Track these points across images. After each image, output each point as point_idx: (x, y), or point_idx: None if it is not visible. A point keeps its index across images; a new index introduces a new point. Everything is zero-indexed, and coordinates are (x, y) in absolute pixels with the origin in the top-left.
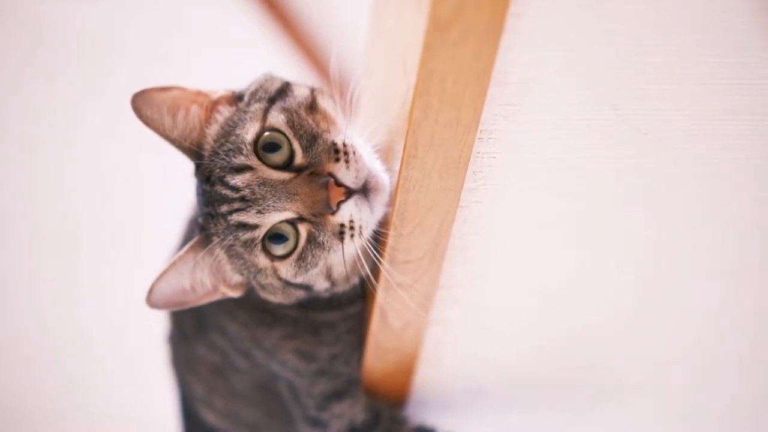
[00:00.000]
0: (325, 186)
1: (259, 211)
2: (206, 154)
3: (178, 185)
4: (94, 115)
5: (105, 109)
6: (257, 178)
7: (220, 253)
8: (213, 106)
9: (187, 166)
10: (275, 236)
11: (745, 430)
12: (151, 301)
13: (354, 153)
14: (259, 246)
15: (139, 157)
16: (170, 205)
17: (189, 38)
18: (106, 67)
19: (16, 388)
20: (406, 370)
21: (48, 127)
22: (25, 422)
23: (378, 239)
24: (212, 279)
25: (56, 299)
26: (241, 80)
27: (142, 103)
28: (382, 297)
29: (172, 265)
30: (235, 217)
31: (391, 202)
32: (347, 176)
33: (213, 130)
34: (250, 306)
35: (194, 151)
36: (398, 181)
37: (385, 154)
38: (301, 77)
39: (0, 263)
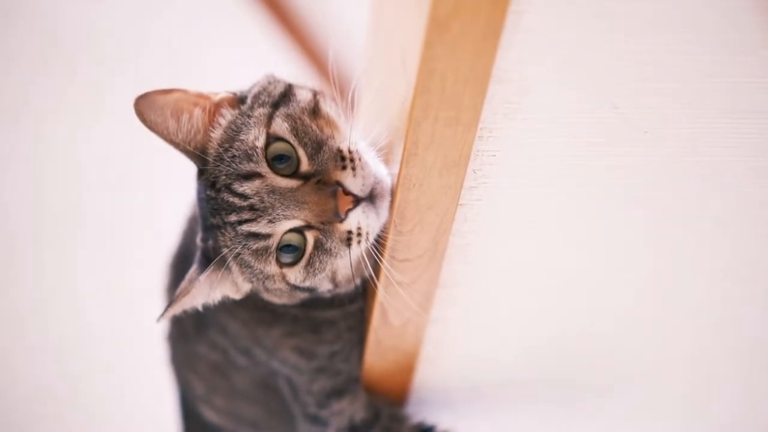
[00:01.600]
0: (334, 195)
1: (270, 221)
2: (210, 159)
3: (180, 185)
4: (97, 115)
5: (108, 108)
6: (266, 185)
7: (232, 265)
8: (215, 108)
9: (189, 165)
10: (284, 244)
11: (745, 430)
12: (162, 320)
13: (360, 159)
14: (274, 255)
15: (141, 157)
16: (172, 204)
17: (190, 38)
18: (109, 67)
19: (16, 387)
20: (405, 369)
21: (53, 126)
22: (25, 422)
23: (380, 240)
24: (223, 293)
25: (57, 298)
26: (243, 80)
27: (145, 107)
28: (382, 295)
29: (187, 293)
30: (246, 228)
31: (391, 202)
32: (354, 184)
33: (217, 134)
34: (251, 304)
35: (198, 156)
36: (398, 180)
37: (386, 154)
38: (301, 77)
39: (1, 262)
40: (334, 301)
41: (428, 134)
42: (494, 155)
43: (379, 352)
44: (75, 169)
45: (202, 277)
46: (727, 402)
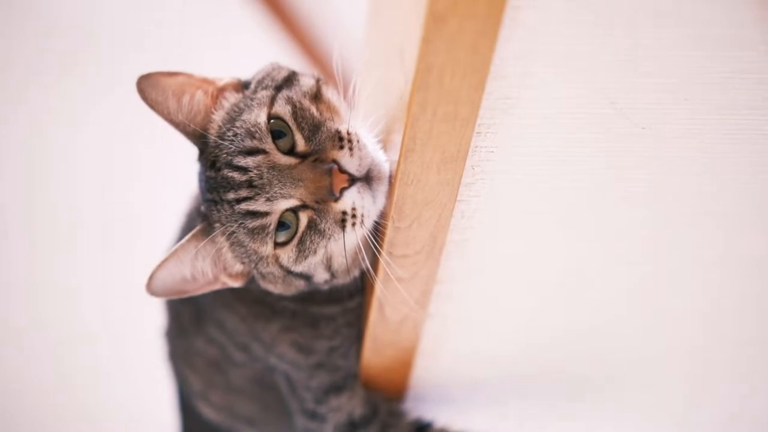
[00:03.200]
0: (329, 172)
1: (268, 199)
2: (211, 139)
3: (177, 180)
4: (95, 111)
5: (105, 104)
6: (268, 161)
7: (222, 241)
8: (219, 93)
9: (186, 161)
10: (279, 223)
11: (744, 430)
12: (151, 289)
13: (358, 141)
14: (272, 235)
15: (139, 151)
16: (169, 199)
17: (189, 34)
18: (107, 64)
19: (14, 387)
20: (403, 364)
21: (50, 121)
22: (24, 422)
23: (378, 231)
24: (213, 268)
25: (55, 297)
26: (241, 74)
27: (147, 86)
28: (380, 290)
29: (174, 253)
30: (244, 206)
31: (390, 196)
32: (351, 163)
33: (219, 116)
34: (249, 299)
35: (198, 136)
36: (396, 175)
37: (384, 145)
38: (301, 70)
39: None
40: (332, 296)
41: (426, 130)
42: (492, 151)
43: (376, 348)
44: (72, 166)
45: (188, 236)
46: (727, 402)
